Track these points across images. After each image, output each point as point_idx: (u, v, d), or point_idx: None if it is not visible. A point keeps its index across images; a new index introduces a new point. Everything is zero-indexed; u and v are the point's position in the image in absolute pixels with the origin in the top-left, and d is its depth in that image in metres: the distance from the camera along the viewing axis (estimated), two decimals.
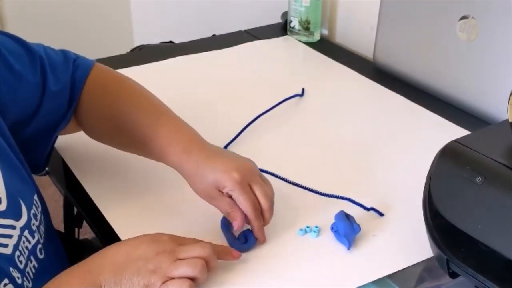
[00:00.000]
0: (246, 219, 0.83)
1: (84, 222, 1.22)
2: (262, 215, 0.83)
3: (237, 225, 0.82)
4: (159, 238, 0.76)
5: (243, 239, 0.84)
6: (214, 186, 0.83)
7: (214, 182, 0.83)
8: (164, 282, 0.72)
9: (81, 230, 1.35)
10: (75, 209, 1.29)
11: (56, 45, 0.97)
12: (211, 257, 0.75)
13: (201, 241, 0.78)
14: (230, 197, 0.83)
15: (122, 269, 0.72)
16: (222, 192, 0.83)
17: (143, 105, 0.93)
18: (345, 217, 0.86)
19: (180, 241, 0.76)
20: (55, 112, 0.92)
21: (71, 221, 1.33)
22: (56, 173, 1.04)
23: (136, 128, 0.90)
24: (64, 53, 0.95)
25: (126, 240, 0.77)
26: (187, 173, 0.86)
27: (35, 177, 0.88)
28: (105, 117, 0.94)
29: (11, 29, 2.33)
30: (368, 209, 0.90)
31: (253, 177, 0.83)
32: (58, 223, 1.25)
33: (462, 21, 1.13)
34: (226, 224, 0.85)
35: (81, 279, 0.72)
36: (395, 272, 0.80)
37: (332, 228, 0.86)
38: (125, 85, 0.96)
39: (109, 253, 0.75)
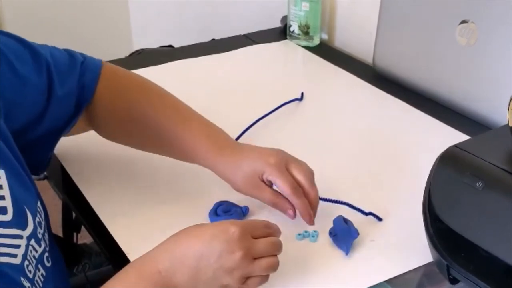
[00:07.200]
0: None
1: (83, 227, 1.21)
2: (305, 193, 0.84)
3: (291, 215, 0.86)
4: (229, 231, 0.71)
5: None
6: (253, 176, 0.85)
7: (252, 172, 0.85)
8: (242, 282, 0.72)
9: (79, 235, 1.34)
10: (74, 214, 1.29)
11: None
12: (280, 251, 0.75)
13: (266, 221, 0.77)
14: (272, 186, 0.86)
15: (198, 271, 0.70)
16: (264, 182, 0.85)
17: (165, 106, 0.94)
18: (343, 221, 0.85)
19: (250, 231, 0.73)
20: (61, 116, 0.91)
21: (70, 225, 1.33)
22: (55, 177, 1.03)
23: (163, 131, 0.91)
24: (70, 54, 0.93)
25: (194, 233, 0.72)
26: (223, 172, 0.88)
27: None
28: (124, 119, 0.94)
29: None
30: (366, 214, 0.90)
31: (288, 159, 0.86)
32: (57, 228, 1.25)
33: (462, 25, 1.12)
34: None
35: (152, 281, 0.69)
36: (394, 277, 0.80)
37: (330, 233, 0.86)
38: (140, 85, 0.96)
39: (179, 251, 0.71)
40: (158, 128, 0.91)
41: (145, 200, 0.94)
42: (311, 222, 0.85)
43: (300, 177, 0.84)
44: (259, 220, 0.78)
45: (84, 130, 0.99)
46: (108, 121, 0.95)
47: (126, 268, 0.72)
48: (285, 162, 0.85)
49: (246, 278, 0.72)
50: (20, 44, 0.86)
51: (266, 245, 0.73)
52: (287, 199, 0.85)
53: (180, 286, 0.70)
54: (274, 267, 0.74)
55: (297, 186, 0.84)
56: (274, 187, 0.86)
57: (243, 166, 0.86)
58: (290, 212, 0.85)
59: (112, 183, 0.98)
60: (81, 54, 0.95)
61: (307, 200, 0.85)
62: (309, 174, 0.86)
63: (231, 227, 0.71)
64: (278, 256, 0.74)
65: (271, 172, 0.84)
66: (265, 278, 0.74)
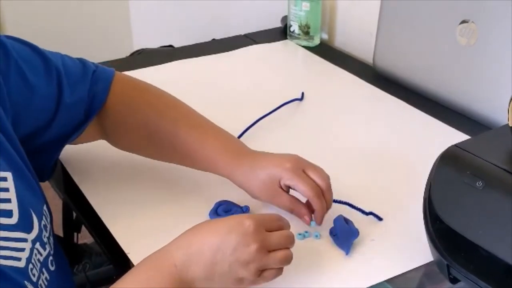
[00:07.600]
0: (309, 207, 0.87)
1: (83, 227, 1.21)
2: (323, 195, 0.85)
3: (307, 220, 0.86)
4: (244, 224, 0.71)
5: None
6: (271, 183, 0.86)
7: (269, 179, 0.86)
8: (257, 275, 0.72)
9: (79, 235, 1.35)
10: (74, 214, 1.29)
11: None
12: (293, 244, 0.76)
13: (278, 215, 0.77)
14: (289, 192, 0.86)
15: (214, 264, 0.70)
16: (281, 188, 0.86)
17: (180, 117, 0.94)
18: (344, 221, 0.85)
19: (264, 225, 0.74)
20: (69, 123, 0.91)
21: (70, 225, 1.33)
22: (55, 177, 1.03)
23: (179, 143, 0.91)
24: (83, 62, 0.93)
25: (209, 227, 0.73)
26: (240, 180, 0.89)
27: None
28: (138, 131, 0.94)
29: (10, 33, 2.33)
30: (367, 214, 0.90)
31: (304, 163, 0.86)
32: (57, 228, 1.25)
33: (462, 25, 1.12)
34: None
35: (167, 274, 0.70)
36: (394, 277, 0.80)
37: (331, 233, 0.86)
38: (152, 96, 0.96)
39: (195, 245, 0.71)
40: (173, 140, 0.92)
41: (145, 200, 0.94)
42: (320, 222, 0.86)
43: (319, 180, 0.85)
44: (271, 213, 0.78)
45: (96, 139, 0.98)
46: (120, 131, 0.95)
47: (140, 263, 0.72)
48: (301, 166, 0.86)
49: (261, 270, 0.72)
50: (33, 52, 0.87)
51: (280, 238, 0.74)
52: (303, 205, 0.86)
53: (195, 279, 0.70)
54: (289, 259, 0.74)
55: (317, 189, 0.85)
56: (291, 192, 0.87)
57: (260, 174, 0.86)
58: (307, 218, 0.86)
59: (112, 183, 0.98)
60: (94, 63, 0.95)
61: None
62: (327, 178, 0.86)
63: (246, 221, 0.72)
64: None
65: (290, 177, 0.84)
66: (279, 270, 0.74)
